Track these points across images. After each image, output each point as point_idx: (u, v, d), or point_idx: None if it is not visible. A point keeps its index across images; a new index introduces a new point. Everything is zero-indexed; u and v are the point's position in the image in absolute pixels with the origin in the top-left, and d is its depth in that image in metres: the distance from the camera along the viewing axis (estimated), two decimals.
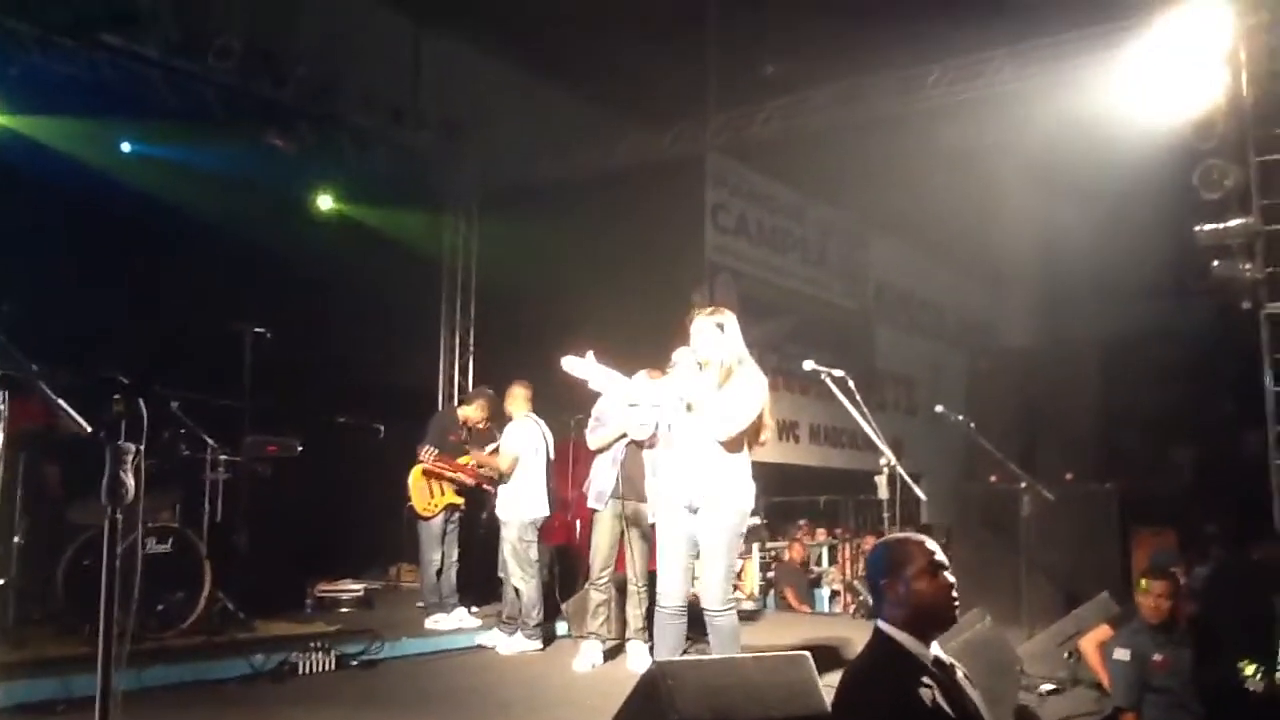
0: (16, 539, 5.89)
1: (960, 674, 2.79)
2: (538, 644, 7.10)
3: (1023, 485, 6.98)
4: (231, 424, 7.02)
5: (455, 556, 7.82)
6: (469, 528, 8.18)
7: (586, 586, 6.88)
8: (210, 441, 6.68)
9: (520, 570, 7.09)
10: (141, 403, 2.59)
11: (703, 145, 10.53)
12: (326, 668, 6.13)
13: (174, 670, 5.65)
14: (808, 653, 3.61)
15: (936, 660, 2.72)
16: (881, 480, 5.58)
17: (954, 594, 2.75)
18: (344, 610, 8.18)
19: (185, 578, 6.27)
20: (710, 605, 4.68)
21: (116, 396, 2.51)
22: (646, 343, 9.34)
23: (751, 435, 4.80)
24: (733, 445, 4.70)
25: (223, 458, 6.74)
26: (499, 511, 7.30)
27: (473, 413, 7.91)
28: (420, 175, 10.68)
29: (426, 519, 7.70)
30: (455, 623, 7.58)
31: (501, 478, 7.21)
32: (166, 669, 5.58)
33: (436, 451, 7.61)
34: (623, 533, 6.66)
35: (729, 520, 4.67)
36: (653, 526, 6.11)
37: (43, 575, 6.09)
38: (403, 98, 9.92)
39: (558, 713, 5.37)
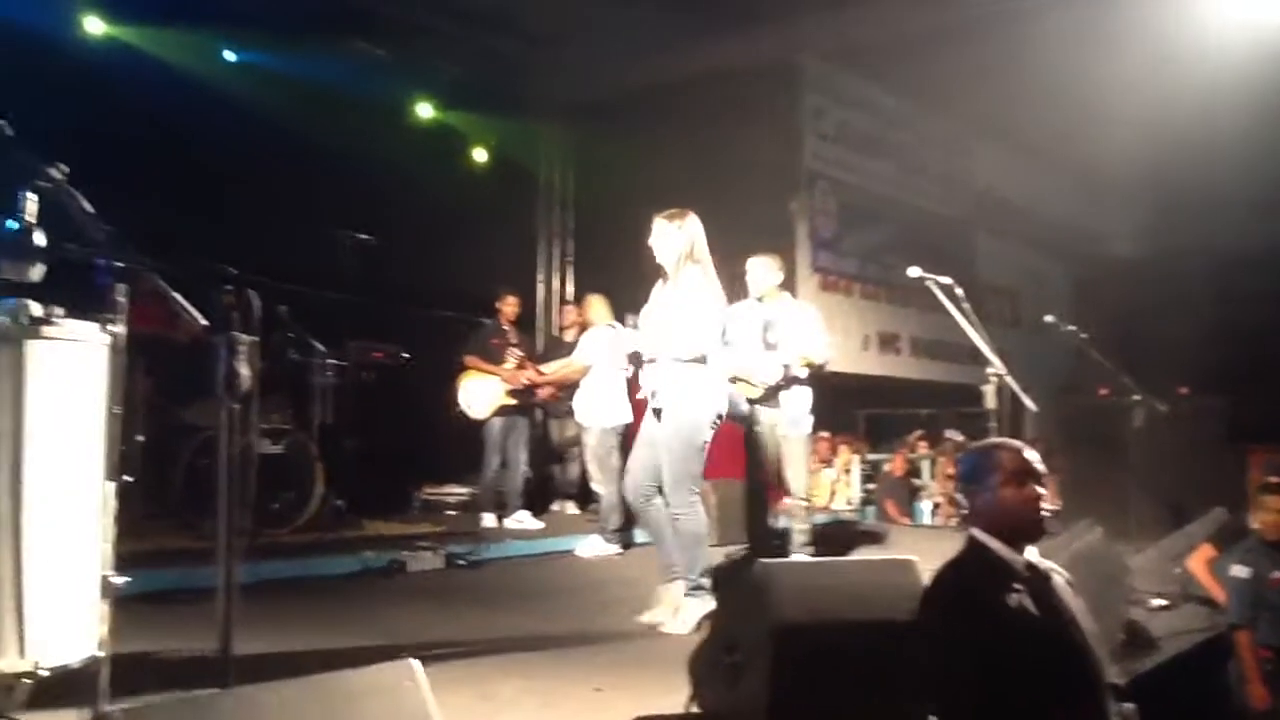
0: (140, 437, 6.11)
1: (1060, 580, 2.73)
2: (616, 548, 7.22)
3: (1135, 398, 6.77)
4: (336, 330, 7.15)
5: (523, 458, 7.97)
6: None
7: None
8: (319, 346, 6.81)
9: (600, 475, 7.26)
10: (252, 294, 2.63)
11: (799, 50, 10.23)
12: (435, 567, 6.29)
13: (287, 565, 5.85)
14: (914, 557, 3.57)
15: (1029, 566, 2.67)
16: (989, 390, 5.43)
17: (1040, 505, 2.68)
18: (449, 513, 8.39)
19: (297, 478, 6.47)
20: (671, 508, 4.78)
21: (228, 288, 2.55)
22: (743, 252, 9.26)
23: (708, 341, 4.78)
24: (686, 354, 4.73)
25: (331, 362, 6.88)
26: (579, 418, 7.47)
27: (507, 309, 8.07)
28: (514, 84, 10.61)
29: (481, 422, 7.86)
30: (517, 523, 7.80)
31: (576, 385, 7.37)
32: (280, 564, 5.78)
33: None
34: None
35: (680, 427, 4.73)
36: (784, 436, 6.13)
37: (160, 474, 6.32)
38: (493, 6, 9.80)
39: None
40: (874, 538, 7.76)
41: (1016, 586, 2.60)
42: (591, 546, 7.18)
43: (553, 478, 9.51)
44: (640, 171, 10.00)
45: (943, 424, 11.36)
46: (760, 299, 6.23)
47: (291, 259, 7.46)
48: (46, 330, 2.44)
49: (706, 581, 4.75)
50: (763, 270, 6.25)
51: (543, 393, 8.42)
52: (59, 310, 2.51)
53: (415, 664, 2.00)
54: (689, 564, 4.78)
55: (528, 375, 7.82)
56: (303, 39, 8.70)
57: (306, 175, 8.28)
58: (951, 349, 11.57)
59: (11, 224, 2.55)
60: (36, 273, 2.55)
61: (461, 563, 6.48)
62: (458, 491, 8.66)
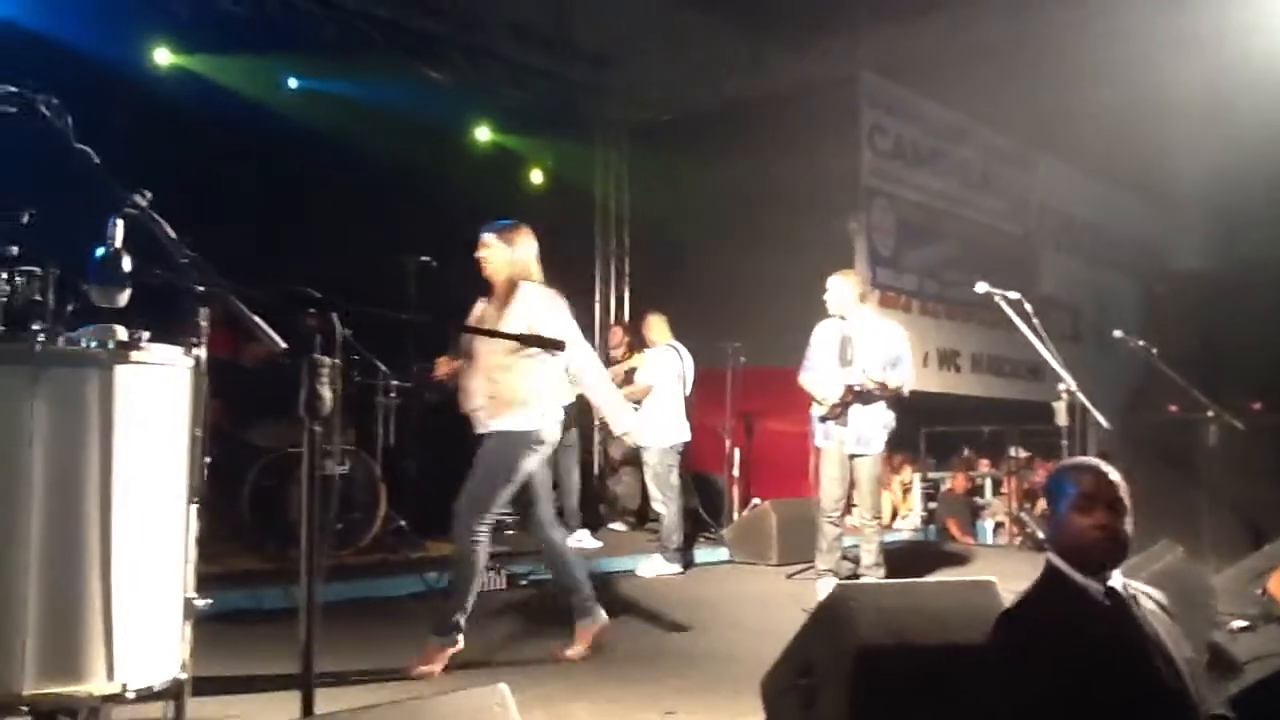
0: (207, 459, 6.18)
1: (1151, 605, 2.63)
2: (677, 567, 7.21)
3: (1209, 414, 6.61)
4: (397, 351, 7.20)
5: (576, 477, 7.95)
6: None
7: (820, 520, 6.48)
8: (382, 367, 6.87)
9: (660, 494, 7.23)
10: (335, 317, 2.64)
11: (855, 65, 10.18)
12: (497, 586, 6.30)
13: (351, 586, 5.89)
14: (993, 579, 3.50)
15: (1110, 592, 2.56)
16: (1060, 407, 5.35)
17: (1106, 533, 2.55)
18: (508, 532, 8.39)
19: (361, 498, 6.51)
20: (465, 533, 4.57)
21: (311, 310, 2.56)
22: (801, 270, 9.21)
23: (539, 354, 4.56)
24: (507, 367, 4.56)
25: (394, 383, 6.93)
26: (639, 437, 7.44)
27: None
28: (571, 106, 10.68)
29: None
30: (575, 542, 7.77)
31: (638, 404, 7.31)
32: (344, 585, 5.81)
33: None
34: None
35: (497, 441, 4.56)
36: (852, 458, 6.04)
37: (226, 496, 6.39)
38: (552, 29, 9.89)
39: (729, 634, 5.39)
40: (940, 558, 7.66)
41: (1093, 615, 2.51)
42: (653, 566, 7.16)
43: (608, 496, 9.53)
44: (696, 191, 10.02)
45: (1006, 441, 11.19)
46: (842, 316, 6.18)
47: (353, 280, 7.53)
48: (134, 355, 2.47)
49: None
50: (840, 288, 6.21)
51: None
52: (145, 334, 2.54)
53: (504, 688, 1.99)
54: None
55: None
56: (365, 65, 8.82)
57: (367, 198, 8.38)
58: (1012, 365, 11.43)
59: (100, 251, 2.58)
60: (123, 298, 2.59)
61: (523, 582, 6.48)
62: (514, 512, 8.66)
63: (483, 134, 10.22)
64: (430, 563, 6.46)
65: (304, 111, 8.61)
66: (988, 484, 11.11)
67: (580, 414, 8.25)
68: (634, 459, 8.71)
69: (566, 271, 10.71)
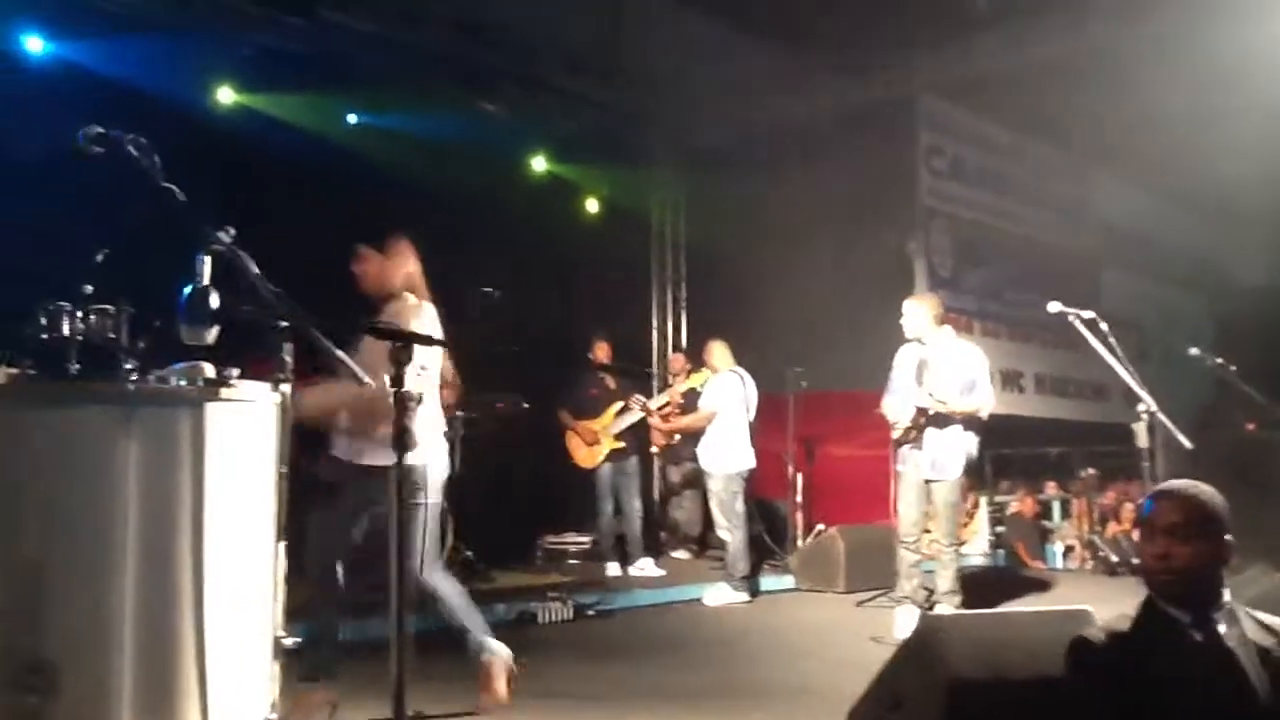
0: None
1: (1267, 642, 2.48)
2: (744, 595, 7.13)
3: None
4: (461, 381, 7.21)
5: (637, 505, 7.97)
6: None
7: (897, 546, 6.22)
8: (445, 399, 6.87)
9: (725, 521, 7.17)
10: (417, 350, 2.63)
11: (911, 88, 10.12)
12: (564, 617, 6.26)
13: (420, 619, 5.86)
14: (1089, 608, 3.39)
15: (1204, 622, 2.43)
16: (1140, 428, 5.20)
17: (1158, 562, 2.45)
18: (572, 561, 8.37)
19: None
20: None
21: (398, 344, 2.54)
22: (859, 292, 9.13)
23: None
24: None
25: (459, 414, 6.94)
26: (703, 464, 7.41)
27: (599, 354, 8.21)
28: (625, 134, 10.70)
29: (591, 470, 7.94)
30: (640, 571, 7.75)
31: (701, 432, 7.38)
32: (415, 617, 5.79)
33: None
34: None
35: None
36: (928, 483, 5.94)
37: (295, 531, 6.39)
38: (605, 58, 9.93)
39: (802, 665, 5.30)
40: (1014, 584, 7.50)
41: (1170, 648, 2.41)
42: (719, 595, 7.09)
43: (669, 523, 9.48)
44: (753, 214, 9.97)
45: (1072, 463, 10.96)
46: (920, 340, 6.11)
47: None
48: (224, 392, 2.47)
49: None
50: (915, 311, 6.13)
51: (657, 439, 8.48)
52: (234, 371, 2.54)
53: None
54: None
55: (654, 421, 7.96)
56: (422, 99, 8.91)
57: (426, 231, 8.39)
58: (1078, 386, 11.23)
59: (188, 289, 2.60)
60: (211, 335, 2.60)
61: (590, 613, 6.44)
62: (578, 540, 8.66)
63: (539, 164, 10.27)
64: (499, 594, 6.44)
65: (364, 146, 8.70)
66: (1056, 506, 10.89)
67: (640, 442, 8.25)
68: (695, 484, 8.66)
69: (623, 299, 10.82)
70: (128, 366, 2.52)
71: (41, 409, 2.46)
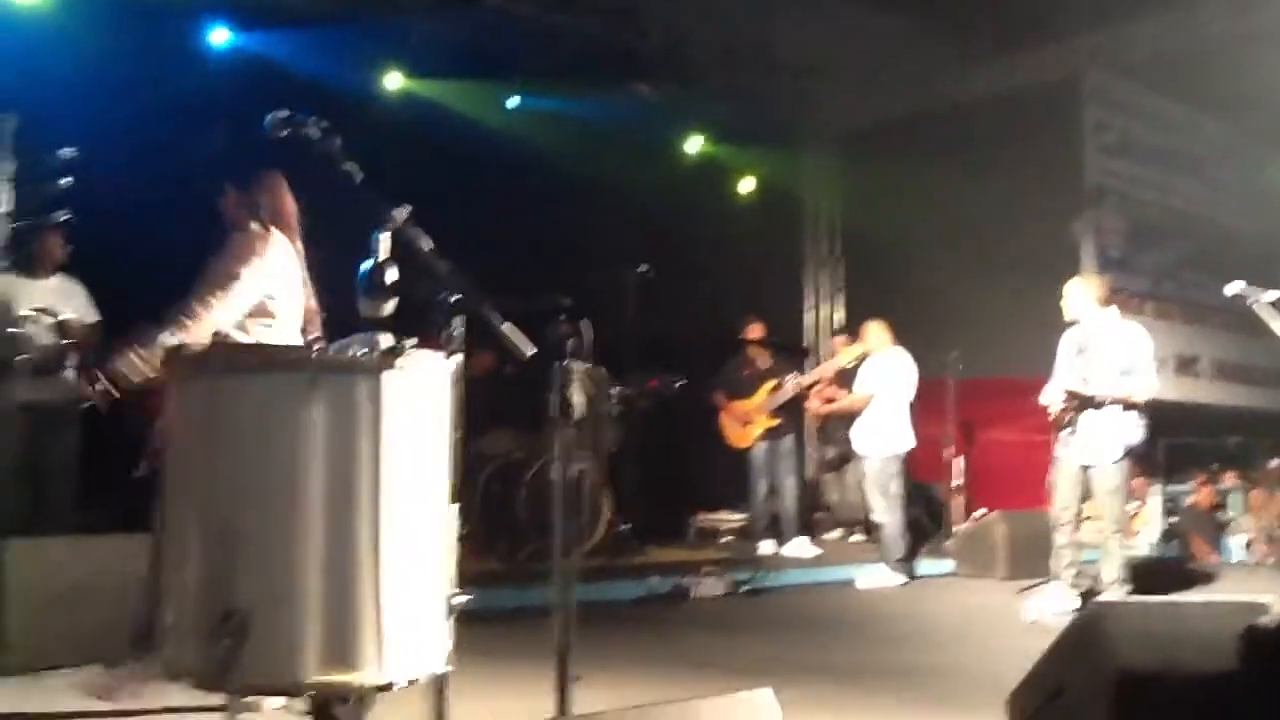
0: None
1: None
2: (901, 578, 7.05)
3: None
4: (617, 359, 7.32)
5: (792, 484, 7.92)
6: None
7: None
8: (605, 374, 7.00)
9: (882, 503, 7.07)
10: (586, 324, 2.70)
11: (1075, 64, 9.75)
12: (716, 593, 6.31)
13: (579, 590, 6.00)
14: (1270, 599, 3.23)
15: None
16: None
17: None
18: (724, 540, 8.42)
19: (588, 503, 6.65)
20: None
21: (562, 318, 2.62)
22: (1020, 275, 8.83)
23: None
24: None
25: (615, 390, 7.05)
26: (858, 446, 7.33)
27: (752, 335, 8.23)
28: (779, 116, 10.65)
29: (745, 450, 7.97)
30: (795, 550, 7.71)
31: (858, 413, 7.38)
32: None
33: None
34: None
35: None
36: (1085, 468, 5.77)
37: (458, 500, 6.63)
38: (758, 40, 9.87)
39: (956, 649, 5.22)
40: (1188, 576, 7.21)
41: None
42: (875, 577, 7.03)
43: (824, 503, 9.42)
44: (908, 196, 9.78)
45: (1253, 454, 10.37)
46: (1081, 322, 5.94)
47: (575, 291, 7.72)
48: (399, 362, 2.59)
49: None
50: (1074, 293, 5.97)
51: (813, 417, 8.45)
52: (410, 342, 2.66)
53: (768, 692, 1.97)
54: None
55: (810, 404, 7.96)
56: (578, 84, 9.06)
57: (582, 212, 8.58)
58: (1260, 373, 10.64)
59: (366, 264, 2.72)
60: (389, 308, 2.72)
61: (743, 589, 6.48)
62: (731, 518, 8.69)
63: (693, 146, 10.30)
64: (654, 568, 6.54)
65: (522, 130, 8.91)
66: (1235, 498, 10.32)
67: (795, 421, 8.22)
68: (850, 464, 8.58)
69: (776, 281, 10.78)
70: (312, 336, 2.66)
71: (235, 377, 2.62)
